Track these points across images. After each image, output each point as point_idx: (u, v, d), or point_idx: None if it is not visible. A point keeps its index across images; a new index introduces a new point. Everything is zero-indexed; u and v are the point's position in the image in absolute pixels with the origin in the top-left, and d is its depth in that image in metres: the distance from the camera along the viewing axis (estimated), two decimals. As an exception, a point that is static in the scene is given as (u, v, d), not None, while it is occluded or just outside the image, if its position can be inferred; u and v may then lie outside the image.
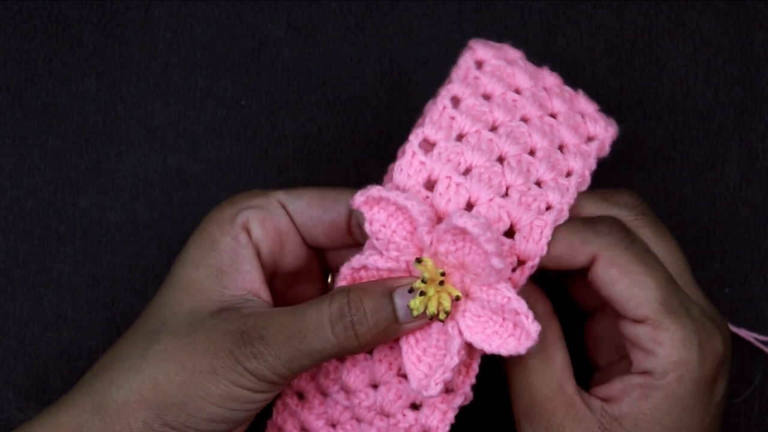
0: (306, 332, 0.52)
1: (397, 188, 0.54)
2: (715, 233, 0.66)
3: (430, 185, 0.54)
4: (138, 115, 0.67)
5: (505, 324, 0.52)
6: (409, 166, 0.53)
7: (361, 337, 0.52)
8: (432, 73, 0.67)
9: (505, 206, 0.53)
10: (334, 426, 0.57)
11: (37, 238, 0.66)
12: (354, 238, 0.57)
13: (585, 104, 0.58)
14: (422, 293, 0.52)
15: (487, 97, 0.56)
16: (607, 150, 0.57)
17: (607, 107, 0.66)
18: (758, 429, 0.65)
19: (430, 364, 0.53)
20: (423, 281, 0.52)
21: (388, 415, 0.56)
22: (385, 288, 0.53)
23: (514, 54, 0.58)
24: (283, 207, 0.57)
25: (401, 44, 0.68)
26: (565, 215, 0.54)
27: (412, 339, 0.54)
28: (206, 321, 0.53)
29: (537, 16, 0.68)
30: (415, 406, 0.56)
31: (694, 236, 0.66)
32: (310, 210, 0.57)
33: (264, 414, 0.59)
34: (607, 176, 0.67)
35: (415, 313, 0.52)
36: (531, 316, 0.51)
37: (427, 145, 0.54)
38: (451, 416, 0.55)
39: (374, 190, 0.52)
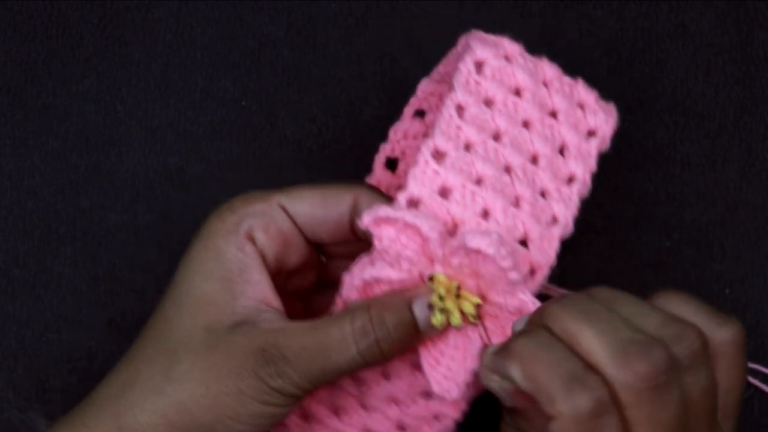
0: (330, 352, 0.52)
1: (411, 197, 0.54)
2: (715, 234, 0.66)
3: (444, 194, 0.54)
4: (138, 115, 0.67)
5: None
6: (423, 174, 0.53)
7: (387, 353, 0.52)
8: (432, 73, 0.68)
9: (518, 216, 0.54)
10: (337, 413, 0.57)
11: (38, 238, 0.66)
12: (356, 234, 0.57)
13: (584, 94, 0.57)
14: (442, 309, 0.52)
15: (488, 103, 0.56)
16: (608, 143, 0.57)
17: (608, 108, 0.66)
18: (758, 430, 0.65)
19: (449, 365, 0.54)
20: (440, 297, 0.52)
21: (398, 403, 0.56)
22: (404, 300, 0.53)
23: (513, 49, 0.57)
24: (285, 210, 0.57)
25: (401, 45, 0.68)
26: (570, 228, 0.55)
27: (429, 342, 0.54)
28: (224, 338, 0.53)
29: (537, 17, 0.68)
30: (427, 394, 0.56)
31: (694, 237, 0.66)
32: (312, 211, 0.57)
33: None
34: (607, 177, 0.67)
35: (440, 328, 0.52)
36: None
37: (437, 156, 0.54)
38: (463, 405, 0.56)
39: (381, 211, 0.52)
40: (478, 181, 0.54)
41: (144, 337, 0.55)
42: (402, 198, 0.54)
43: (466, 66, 0.56)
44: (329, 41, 0.68)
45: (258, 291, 0.55)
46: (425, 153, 0.54)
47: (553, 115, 0.57)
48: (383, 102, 0.67)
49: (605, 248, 0.66)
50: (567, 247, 0.66)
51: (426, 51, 0.68)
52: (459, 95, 0.55)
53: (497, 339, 0.53)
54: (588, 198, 0.67)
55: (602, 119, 0.57)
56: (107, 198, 0.67)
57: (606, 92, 0.65)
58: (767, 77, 0.68)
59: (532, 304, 0.52)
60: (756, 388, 0.65)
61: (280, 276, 0.58)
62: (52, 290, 0.66)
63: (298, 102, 0.67)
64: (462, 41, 0.58)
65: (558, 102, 0.57)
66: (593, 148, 0.56)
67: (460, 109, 0.55)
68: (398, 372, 0.56)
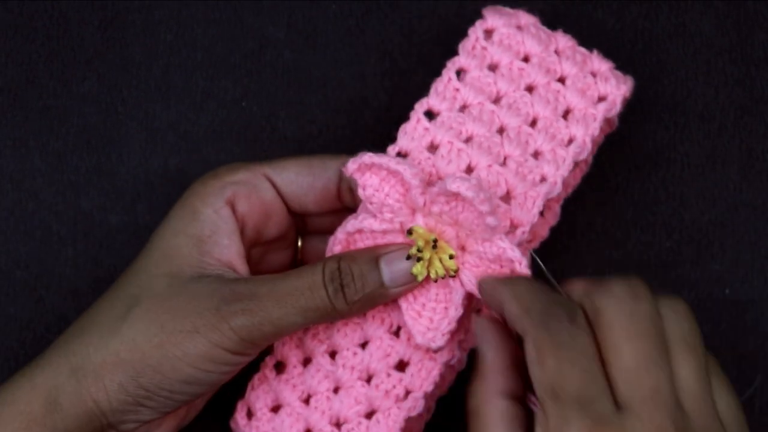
0: (303, 290, 0.54)
1: (400, 151, 0.56)
2: (715, 234, 0.66)
3: (432, 149, 0.57)
4: (139, 116, 0.67)
5: (502, 272, 0.55)
6: (414, 130, 0.57)
7: (349, 299, 0.54)
8: (432, 73, 0.67)
9: (503, 173, 0.56)
10: (307, 401, 0.58)
11: (38, 240, 0.66)
12: (343, 202, 0.59)
13: (599, 63, 0.59)
14: (419, 259, 0.54)
15: (493, 68, 0.58)
16: (617, 108, 0.58)
17: (608, 108, 0.66)
18: (758, 430, 0.65)
19: (430, 317, 0.56)
20: (418, 249, 0.54)
21: (371, 376, 0.57)
22: (372, 255, 0.55)
23: (528, 19, 0.59)
24: (269, 180, 0.58)
25: (401, 45, 0.68)
26: (559, 188, 0.56)
27: (410, 295, 0.56)
28: (188, 285, 0.55)
29: (537, 17, 0.68)
30: (401, 367, 0.57)
31: (694, 237, 0.66)
32: (299, 179, 0.58)
33: (235, 394, 0.60)
34: (607, 177, 0.67)
35: (420, 278, 0.55)
36: (524, 262, 0.54)
37: (430, 114, 0.57)
38: (436, 374, 0.57)
39: (366, 157, 0.55)
40: (467, 140, 0.56)
41: (109, 289, 0.57)
42: (391, 150, 0.56)
43: (475, 32, 0.58)
44: (329, 42, 0.68)
45: (225, 255, 0.56)
46: (418, 110, 0.57)
47: (561, 81, 0.58)
48: (384, 103, 0.68)
49: (605, 248, 0.66)
50: (567, 247, 0.67)
51: (426, 51, 0.68)
52: (461, 58, 0.58)
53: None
54: (588, 198, 0.67)
55: (613, 85, 0.58)
56: (108, 199, 0.67)
57: (606, 93, 0.65)
58: (767, 77, 0.68)
59: (511, 251, 0.54)
60: (756, 387, 0.65)
61: (257, 248, 0.59)
62: (53, 292, 0.66)
63: (299, 103, 0.68)
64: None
65: (567, 68, 0.58)
66: (600, 113, 0.57)
67: (461, 72, 0.58)
68: (376, 337, 0.57)
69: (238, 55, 0.68)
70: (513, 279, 0.53)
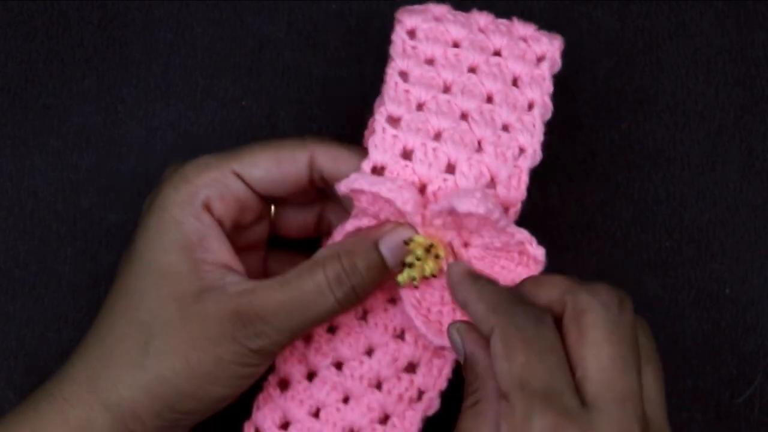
0: (309, 304, 0.54)
1: (375, 165, 0.55)
2: (715, 233, 0.66)
3: (406, 156, 0.56)
4: (138, 115, 0.67)
5: (510, 256, 0.55)
6: (383, 141, 0.55)
7: (362, 295, 0.55)
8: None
9: (482, 161, 0.55)
10: (317, 415, 0.58)
11: (38, 238, 0.66)
12: (316, 186, 0.58)
13: (523, 29, 0.59)
14: (410, 265, 0.55)
15: (430, 62, 0.57)
16: (559, 63, 0.58)
17: (607, 107, 0.67)
18: (758, 429, 0.65)
19: (439, 321, 0.55)
20: (417, 258, 0.54)
21: (381, 382, 0.57)
22: (370, 243, 0.55)
23: (441, 10, 0.59)
24: (239, 176, 0.57)
25: (401, 45, 0.68)
26: (539, 156, 0.56)
27: (415, 300, 0.56)
28: (195, 307, 0.54)
29: (537, 17, 0.68)
30: (411, 369, 0.57)
31: (694, 236, 0.66)
32: (269, 175, 0.58)
33: (242, 413, 0.60)
34: (607, 177, 0.67)
35: (416, 284, 0.55)
36: (534, 241, 0.54)
37: (393, 121, 0.56)
38: (447, 372, 0.57)
39: (356, 183, 0.54)
40: (437, 136, 0.56)
41: (110, 311, 0.56)
42: (366, 167, 0.55)
43: (399, 36, 0.58)
44: (329, 41, 0.68)
45: (219, 257, 0.56)
46: (380, 120, 0.56)
47: (497, 54, 0.58)
48: (383, 102, 0.67)
49: (605, 248, 0.66)
50: (567, 246, 0.67)
51: (426, 51, 0.68)
52: (398, 62, 0.57)
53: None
54: (588, 198, 0.67)
55: (547, 43, 0.58)
56: (107, 198, 0.67)
57: (606, 93, 0.65)
58: (767, 77, 0.68)
59: (520, 234, 0.54)
60: (756, 387, 0.65)
61: (234, 232, 0.59)
62: (53, 290, 0.66)
63: (299, 102, 0.68)
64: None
65: (498, 41, 0.58)
66: (545, 71, 0.57)
67: (403, 75, 0.57)
68: (382, 344, 0.57)
69: (238, 54, 0.68)
70: (478, 280, 0.53)
